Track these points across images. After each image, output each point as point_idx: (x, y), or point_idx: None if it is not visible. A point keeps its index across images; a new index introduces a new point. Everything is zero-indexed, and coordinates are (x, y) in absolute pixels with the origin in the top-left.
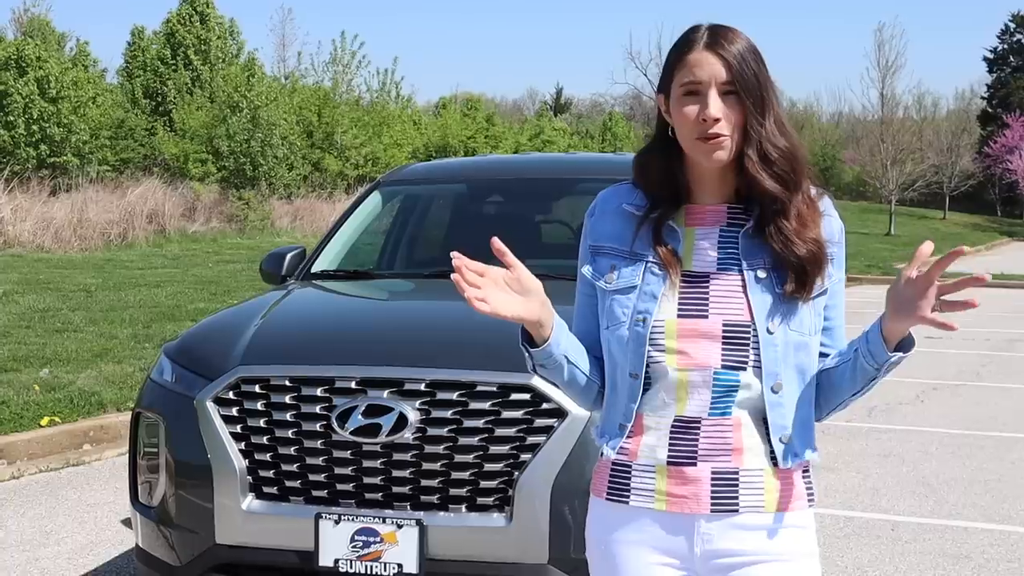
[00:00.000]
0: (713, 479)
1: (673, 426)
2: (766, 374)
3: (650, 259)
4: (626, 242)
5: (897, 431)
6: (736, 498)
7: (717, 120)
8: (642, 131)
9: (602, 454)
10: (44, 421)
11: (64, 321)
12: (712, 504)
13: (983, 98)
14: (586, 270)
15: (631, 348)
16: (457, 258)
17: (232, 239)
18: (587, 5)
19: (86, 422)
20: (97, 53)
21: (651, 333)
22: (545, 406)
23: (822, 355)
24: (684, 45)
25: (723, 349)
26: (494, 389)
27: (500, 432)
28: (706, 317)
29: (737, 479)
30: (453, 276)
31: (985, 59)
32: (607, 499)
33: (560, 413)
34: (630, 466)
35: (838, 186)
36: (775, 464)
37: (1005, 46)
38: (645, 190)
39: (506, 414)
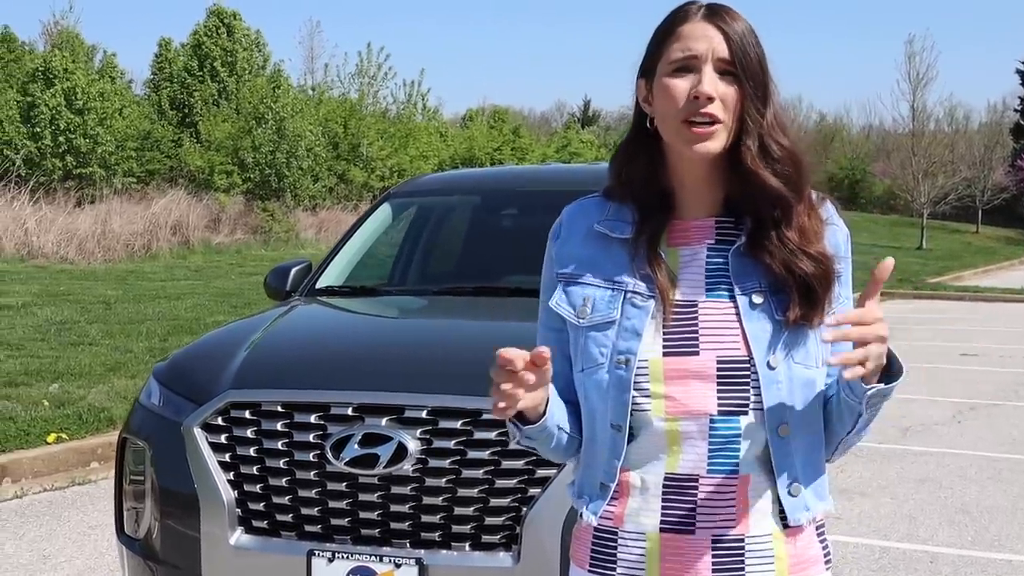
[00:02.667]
0: (715, 549)
1: (665, 486)
2: (769, 416)
3: (629, 288)
4: (600, 269)
5: (933, 454)
6: (743, 571)
7: (711, 99)
8: None
9: (581, 516)
10: (51, 438)
11: (80, 334)
12: None
13: (1016, 111)
14: (553, 303)
15: (612, 395)
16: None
17: (256, 251)
18: (616, 17)
19: (94, 439)
20: (125, 65)
21: (635, 376)
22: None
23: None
24: (677, 15)
25: (719, 391)
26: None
27: (507, 464)
28: (696, 354)
29: (743, 548)
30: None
31: (1018, 71)
32: (590, 571)
33: None
34: (616, 533)
35: (868, 199)
36: (785, 525)
37: None
38: (625, 199)
39: (514, 445)
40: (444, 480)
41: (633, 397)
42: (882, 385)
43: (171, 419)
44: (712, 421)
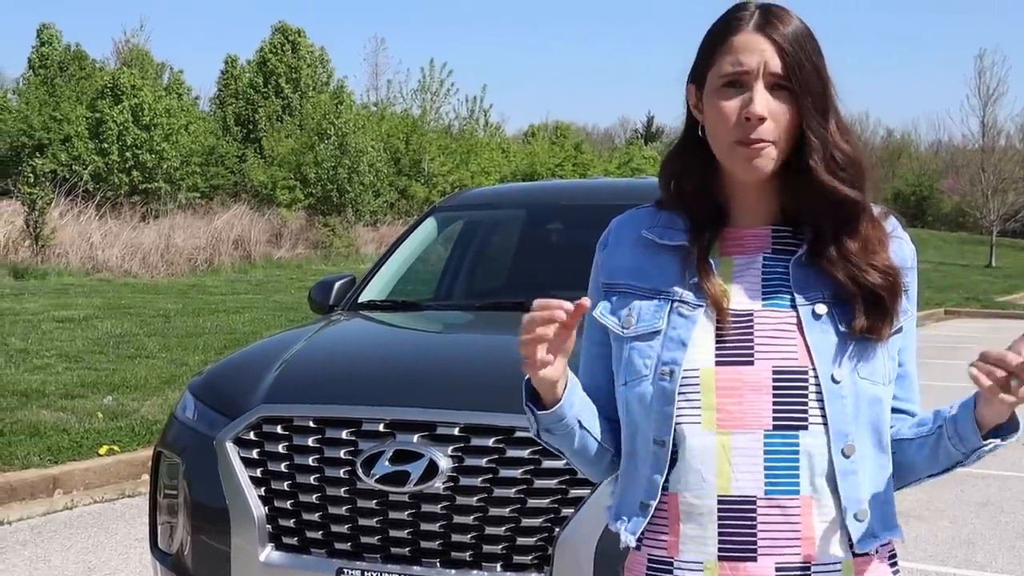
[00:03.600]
0: None
1: (721, 509)
2: (834, 434)
3: (677, 297)
4: (647, 278)
5: (995, 476)
6: None
7: (762, 120)
8: None
9: (621, 540)
10: (103, 450)
11: (138, 347)
12: None
13: None
14: (597, 313)
15: (655, 408)
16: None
17: (317, 265)
18: (680, 33)
19: (145, 452)
20: (191, 82)
21: (681, 387)
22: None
23: (895, 411)
24: (729, 23)
25: (775, 403)
26: (534, 436)
27: (540, 483)
28: (751, 363)
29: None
30: (527, 317)
31: None
32: None
33: None
34: (671, 563)
35: (936, 216)
36: (855, 554)
37: None
38: (676, 209)
39: (547, 463)
40: (475, 499)
41: (679, 410)
42: (997, 441)
43: (204, 433)
44: (767, 436)
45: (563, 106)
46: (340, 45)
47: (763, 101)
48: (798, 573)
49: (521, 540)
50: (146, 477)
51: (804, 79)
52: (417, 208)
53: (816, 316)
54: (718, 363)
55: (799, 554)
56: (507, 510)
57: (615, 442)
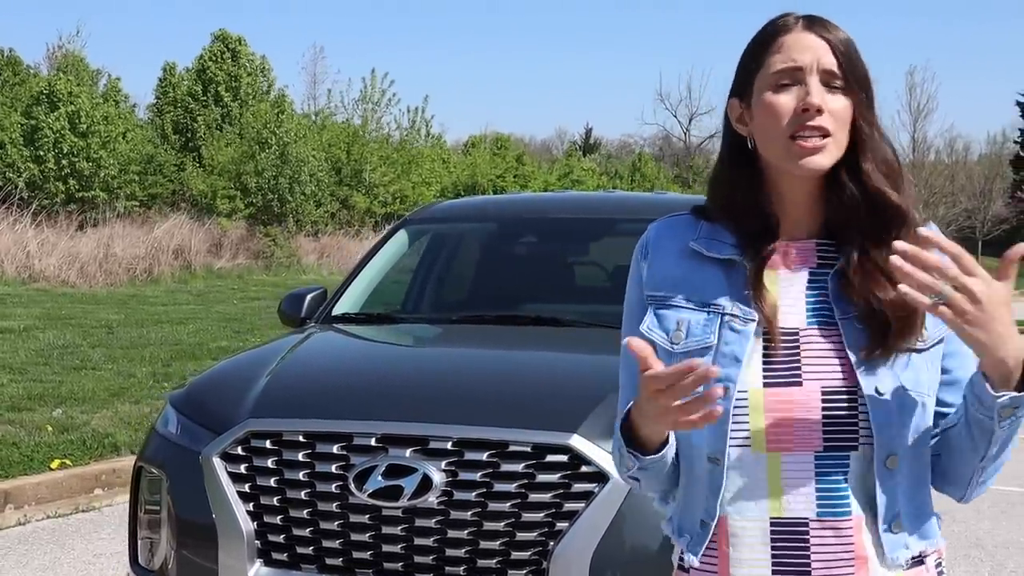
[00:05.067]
0: None
1: (773, 532)
2: (879, 446)
3: (727, 311)
4: (695, 290)
5: None
6: None
7: (820, 111)
8: (671, 171)
9: (682, 560)
10: (54, 464)
11: (83, 358)
12: None
13: (1016, 142)
14: (645, 327)
15: (709, 426)
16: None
17: (258, 276)
18: (617, 46)
19: (98, 465)
20: (129, 89)
21: (734, 407)
22: (584, 469)
23: (944, 415)
24: (777, 28)
25: (824, 425)
26: (528, 449)
27: (534, 497)
28: (800, 384)
29: None
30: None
31: (1018, 103)
32: None
33: (601, 477)
34: None
35: None
36: (907, 566)
37: None
38: (725, 221)
39: (541, 477)
40: (470, 513)
41: (732, 430)
42: (1015, 393)
43: (189, 448)
44: (818, 457)
45: (502, 117)
46: (280, 54)
47: (819, 93)
48: None
49: (516, 554)
50: (99, 491)
51: (858, 76)
52: (358, 219)
53: (857, 331)
54: (766, 384)
55: (853, 574)
56: (502, 524)
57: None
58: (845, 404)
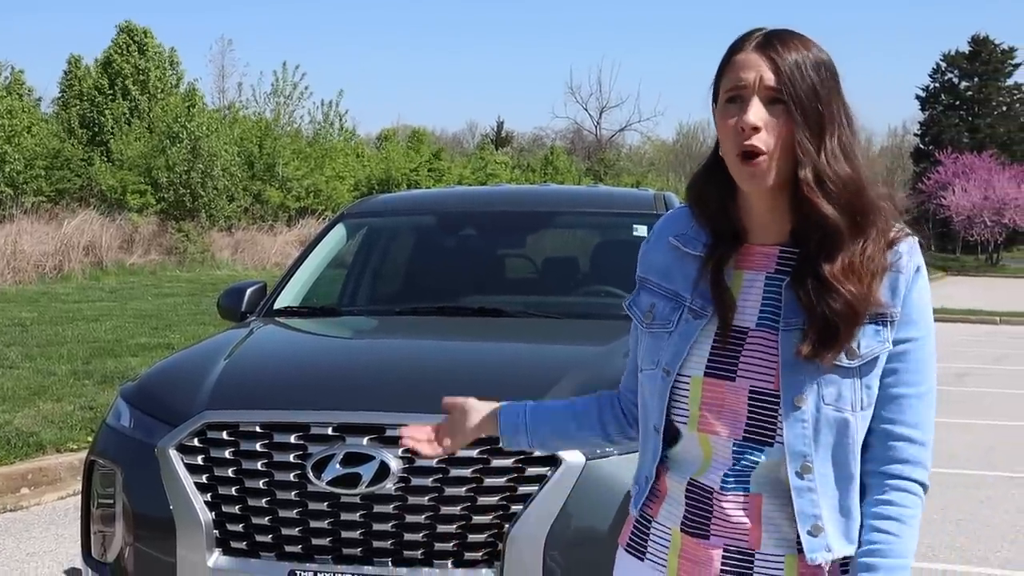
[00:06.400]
0: (725, 557)
1: (688, 491)
2: (791, 454)
3: (687, 303)
4: (670, 279)
5: None
6: None
7: (756, 129)
8: (583, 164)
9: (633, 506)
10: None
11: None
12: None
13: (916, 135)
14: (627, 302)
15: (656, 399)
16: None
17: (171, 271)
18: (528, 40)
19: (23, 464)
20: (33, 82)
21: (675, 388)
22: (537, 454)
23: (888, 434)
24: (736, 45)
25: (748, 420)
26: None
27: (489, 482)
28: (733, 380)
29: (752, 563)
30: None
31: (917, 97)
32: (626, 549)
33: (553, 461)
34: (650, 522)
35: None
36: (801, 553)
37: (936, 84)
38: (701, 222)
39: (495, 463)
40: (427, 498)
41: (673, 407)
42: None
43: (144, 441)
44: (736, 445)
45: (413, 111)
46: (185, 46)
47: (756, 111)
48: (742, 557)
49: (472, 537)
50: (26, 491)
51: (797, 93)
52: (272, 213)
53: (792, 340)
54: (707, 374)
55: (746, 543)
56: (458, 508)
57: (618, 425)
58: (767, 407)
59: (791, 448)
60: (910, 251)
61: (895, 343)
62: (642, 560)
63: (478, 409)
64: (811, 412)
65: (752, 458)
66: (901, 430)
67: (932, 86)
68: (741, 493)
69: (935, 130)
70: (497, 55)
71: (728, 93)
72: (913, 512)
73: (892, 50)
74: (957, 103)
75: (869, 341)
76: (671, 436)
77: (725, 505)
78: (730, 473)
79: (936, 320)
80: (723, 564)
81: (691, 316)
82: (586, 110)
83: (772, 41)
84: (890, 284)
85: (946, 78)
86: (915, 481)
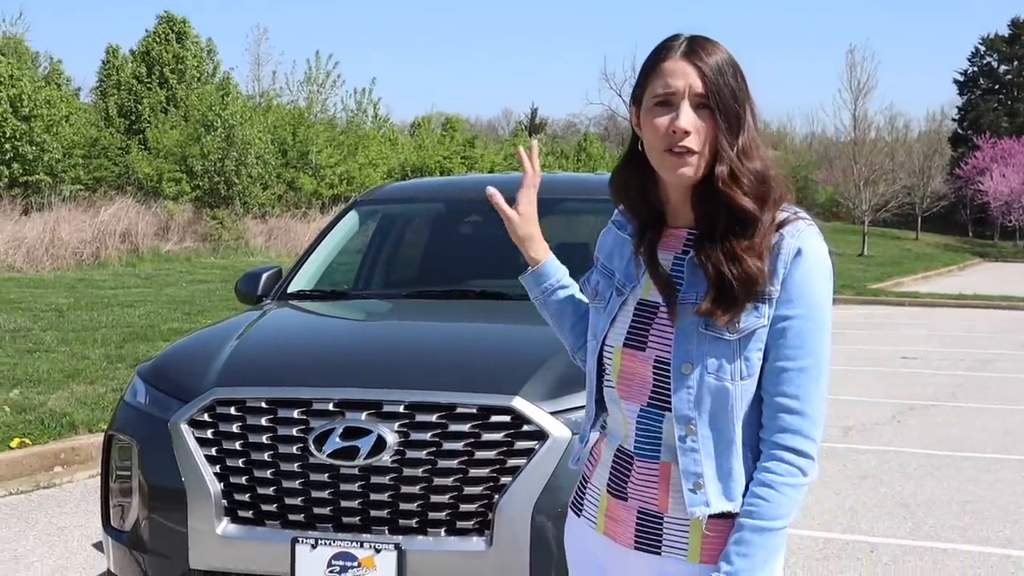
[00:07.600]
0: (639, 519)
1: (615, 457)
2: (677, 417)
3: (617, 282)
4: (611, 259)
5: (874, 452)
6: (659, 541)
7: (687, 133)
8: (617, 151)
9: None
10: (14, 443)
11: (35, 341)
12: (636, 542)
13: (954, 120)
14: (581, 280)
15: (592, 367)
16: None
17: (206, 258)
18: (563, 27)
19: (57, 444)
20: (71, 72)
21: (603, 358)
22: (526, 428)
23: (770, 404)
24: (661, 52)
25: (652, 387)
26: (474, 411)
27: (480, 455)
28: (644, 350)
29: (662, 525)
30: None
31: (955, 81)
32: (571, 507)
33: (541, 435)
34: (587, 481)
35: (811, 206)
36: (710, 516)
37: (975, 68)
38: (625, 210)
39: (486, 436)
40: (421, 470)
41: (603, 376)
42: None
43: (158, 416)
44: (642, 410)
45: (447, 98)
46: (222, 36)
47: (688, 117)
48: (653, 520)
49: (464, 507)
50: (59, 469)
51: (722, 100)
52: (305, 200)
53: (687, 313)
54: (625, 344)
55: (657, 506)
56: (450, 480)
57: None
58: (665, 374)
59: (677, 412)
60: (793, 234)
61: (775, 320)
62: (579, 516)
63: (538, 234)
64: (696, 379)
65: (655, 424)
66: (781, 400)
67: (971, 70)
68: (652, 460)
69: (973, 115)
70: (533, 42)
71: (657, 97)
72: (785, 479)
73: (930, 34)
74: (996, 87)
75: (747, 316)
76: (602, 406)
77: (638, 470)
78: (643, 441)
79: (969, 307)
80: (637, 524)
81: (615, 293)
82: (620, 96)
83: (696, 49)
84: (770, 264)
85: (985, 62)
86: (790, 449)
